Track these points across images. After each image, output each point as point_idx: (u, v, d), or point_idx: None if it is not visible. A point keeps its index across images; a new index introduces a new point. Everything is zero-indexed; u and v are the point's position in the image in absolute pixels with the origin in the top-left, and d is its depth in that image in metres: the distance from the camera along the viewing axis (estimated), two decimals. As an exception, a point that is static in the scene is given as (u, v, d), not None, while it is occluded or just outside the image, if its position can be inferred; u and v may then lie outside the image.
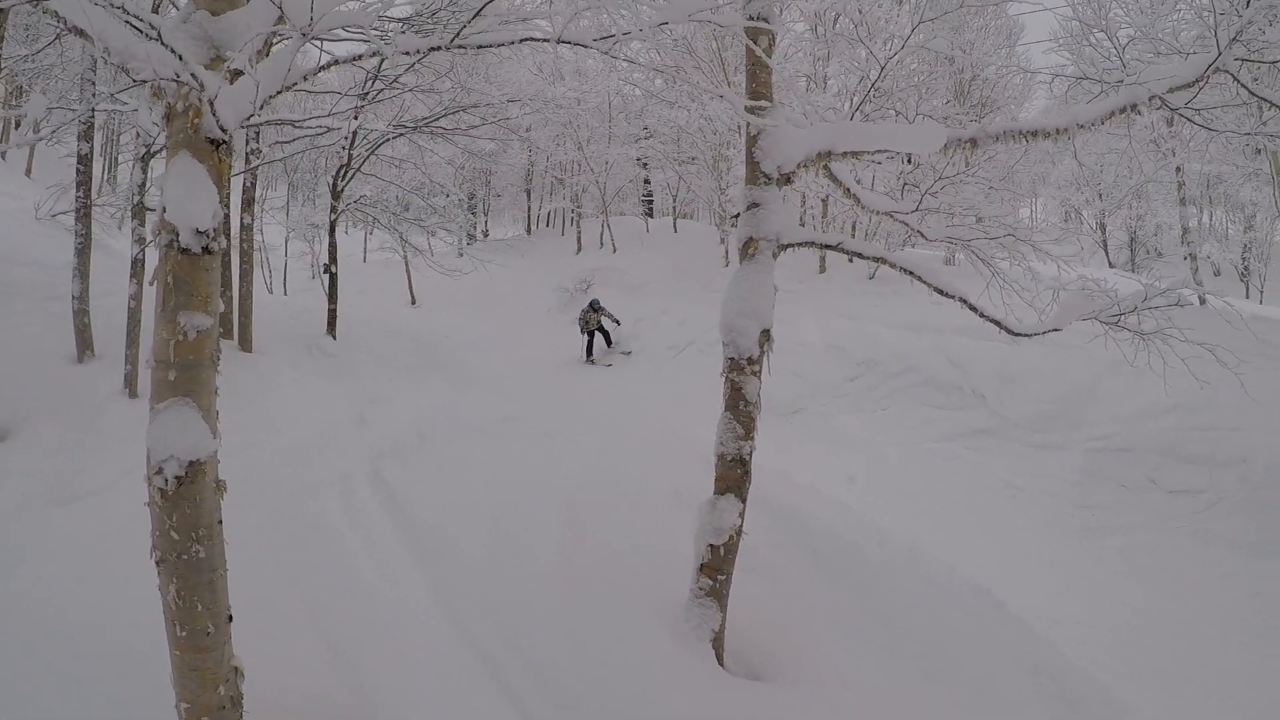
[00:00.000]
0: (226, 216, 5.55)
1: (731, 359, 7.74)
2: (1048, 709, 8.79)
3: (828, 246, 8.36)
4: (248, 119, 5.32)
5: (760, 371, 7.80)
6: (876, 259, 8.49)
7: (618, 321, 26.47)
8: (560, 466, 12.49)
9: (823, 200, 28.00)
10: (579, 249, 36.54)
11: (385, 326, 22.87)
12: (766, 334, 7.79)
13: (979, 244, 9.71)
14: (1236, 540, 14.67)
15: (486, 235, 45.61)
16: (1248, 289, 35.16)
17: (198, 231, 5.24)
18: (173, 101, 5.27)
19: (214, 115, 5.16)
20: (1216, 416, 16.38)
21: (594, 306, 26.05)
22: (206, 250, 5.29)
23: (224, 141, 5.36)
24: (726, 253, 30.91)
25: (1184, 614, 13.45)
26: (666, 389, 21.71)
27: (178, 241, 5.24)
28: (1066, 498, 15.95)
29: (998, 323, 8.71)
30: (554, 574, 9.39)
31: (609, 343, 26.44)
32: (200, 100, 5.16)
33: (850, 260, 27.32)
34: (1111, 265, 36.58)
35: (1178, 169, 25.06)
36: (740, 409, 7.73)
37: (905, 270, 8.50)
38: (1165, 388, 10.41)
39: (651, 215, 42.42)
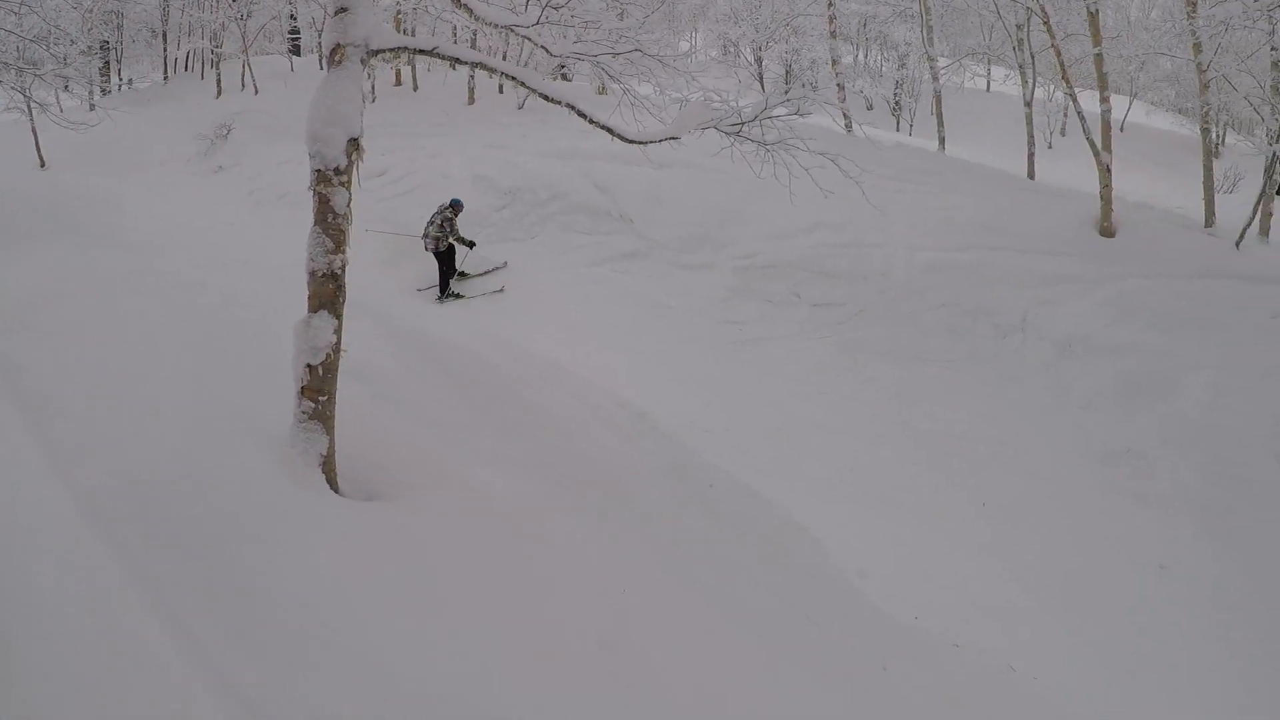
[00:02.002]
0: None
1: (318, 170, 7.32)
2: (676, 499, 8.95)
3: (421, 52, 7.98)
4: None
5: (349, 183, 7.42)
6: (475, 64, 8.20)
7: (471, 243, 18.40)
8: (189, 313, 11.87)
9: (473, 32, 27.23)
10: (219, 93, 34.12)
11: (5, 191, 21.09)
12: (355, 143, 7.39)
13: (606, 60, 9.51)
14: (876, 348, 15.40)
15: (131, 83, 42.39)
16: (898, 123, 37.04)
17: None
18: None
19: None
20: (857, 234, 17.04)
21: (455, 207, 18.27)
22: None
23: None
24: (373, 88, 29.47)
25: (830, 417, 14.06)
26: (303, 228, 20.78)
27: None
28: (715, 314, 16.28)
29: (609, 129, 8.61)
30: (177, 420, 8.86)
31: (449, 276, 18.06)
32: None
33: (500, 90, 26.92)
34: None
35: (830, 3, 25.60)
36: (329, 222, 7.35)
37: (506, 75, 8.29)
38: (791, 199, 10.57)
39: (298, 54, 39.79)
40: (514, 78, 8.24)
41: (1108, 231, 17.39)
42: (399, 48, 7.86)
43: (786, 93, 9.07)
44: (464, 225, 18.94)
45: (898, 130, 34.80)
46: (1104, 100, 18.12)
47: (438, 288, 17.91)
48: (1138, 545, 12.30)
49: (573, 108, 8.36)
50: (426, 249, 17.98)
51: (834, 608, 9.02)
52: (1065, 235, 17.29)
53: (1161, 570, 11.98)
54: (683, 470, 9.94)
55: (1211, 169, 19.11)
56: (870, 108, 38.44)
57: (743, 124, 8.64)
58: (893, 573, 10.98)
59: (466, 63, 8.16)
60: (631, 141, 8.61)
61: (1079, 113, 19.21)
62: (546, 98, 8.29)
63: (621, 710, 5.52)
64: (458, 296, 17.80)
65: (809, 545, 10.17)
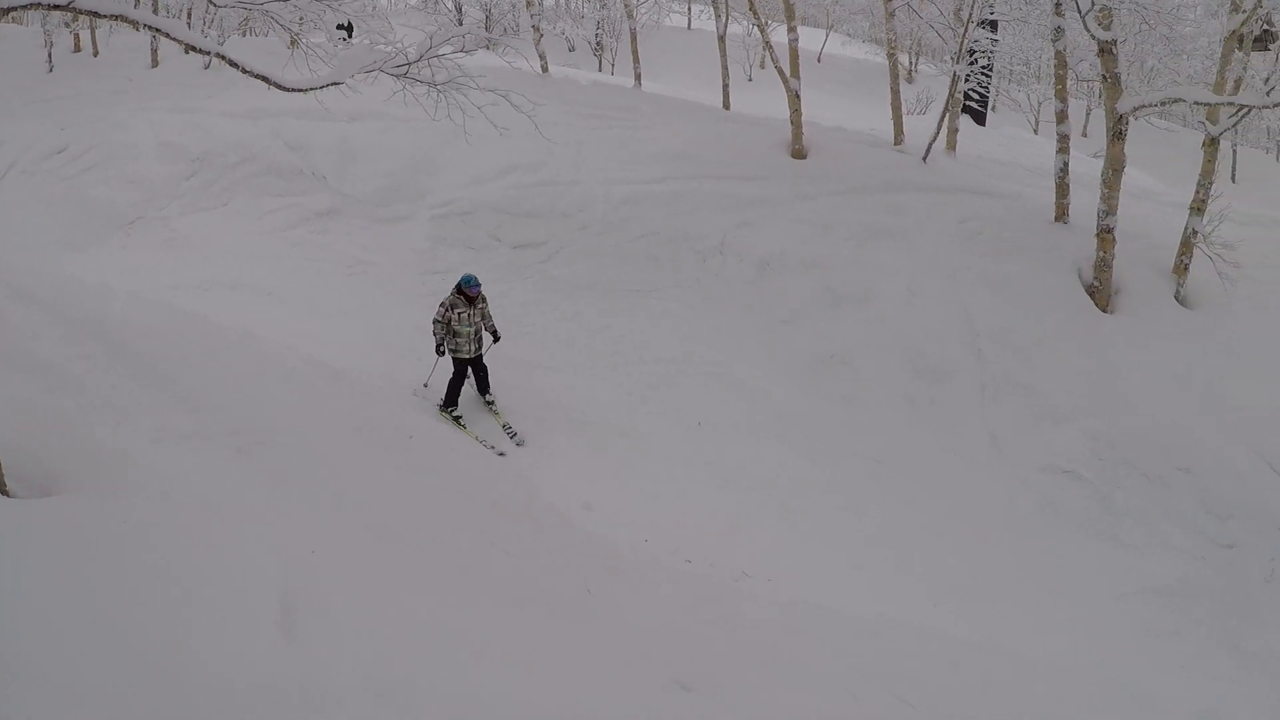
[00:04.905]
0: None
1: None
2: (374, 455, 8.79)
3: (56, 7, 7.47)
4: None
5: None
6: (115, 16, 7.69)
7: (497, 336, 13.28)
8: None
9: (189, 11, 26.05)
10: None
11: None
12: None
13: (276, 9, 9.16)
14: (580, 283, 15.54)
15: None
16: (600, 63, 37.66)
17: None
18: None
19: None
20: (555, 172, 17.10)
21: (471, 291, 12.62)
22: None
23: None
24: (50, 56, 27.39)
25: (540, 356, 14.14)
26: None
27: None
28: (418, 266, 15.90)
29: (264, 78, 8.27)
30: None
31: (484, 386, 13.12)
32: None
33: (186, 51, 25.57)
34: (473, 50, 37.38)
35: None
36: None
37: (148, 26, 7.86)
38: (467, 139, 10.45)
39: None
40: (157, 29, 7.84)
41: (799, 154, 18.05)
42: (29, 4, 7.34)
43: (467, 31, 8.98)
44: (153, 198, 18.17)
45: (600, 70, 35.19)
46: (791, 30, 18.68)
47: (445, 394, 12.84)
48: (850, 443, 12.99)
49: (223, 57, 8.00)
50: (469, 353, 12.80)
51: (538, 540, 9.04)
52: (759, 160, 17.81)
53: (876, 464, 12.62)
54: (382, 424, 9.75)
55: (899, 90, 20.19)
56: (573, 49, 38.86)
57: (409, 65, 8.46)
58: (619, 502, 11.21)
59: (105, 15, 7.70)
60: (290, 89, 8.31)
61: (768, 43, 19.91)
62: (192, 48, 7.94)
63: (300, 671, 5.35)
64: (458, 419, 12.71)
65: (519, 484, 10.19)
